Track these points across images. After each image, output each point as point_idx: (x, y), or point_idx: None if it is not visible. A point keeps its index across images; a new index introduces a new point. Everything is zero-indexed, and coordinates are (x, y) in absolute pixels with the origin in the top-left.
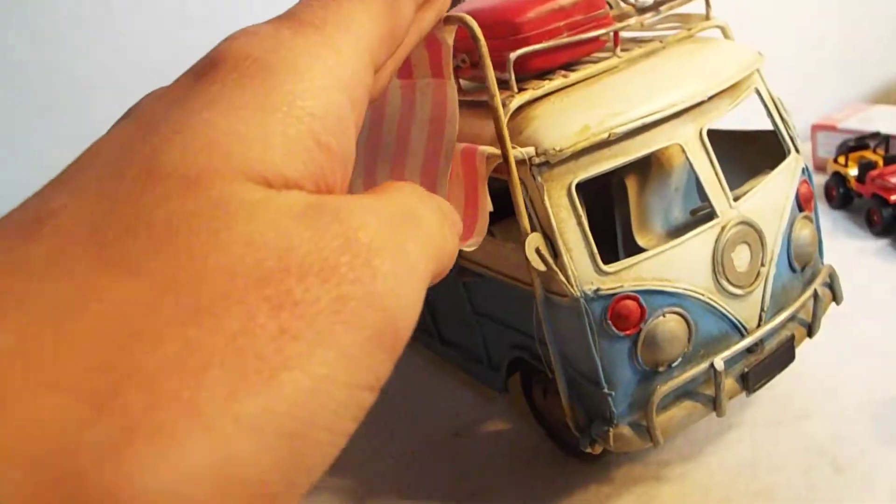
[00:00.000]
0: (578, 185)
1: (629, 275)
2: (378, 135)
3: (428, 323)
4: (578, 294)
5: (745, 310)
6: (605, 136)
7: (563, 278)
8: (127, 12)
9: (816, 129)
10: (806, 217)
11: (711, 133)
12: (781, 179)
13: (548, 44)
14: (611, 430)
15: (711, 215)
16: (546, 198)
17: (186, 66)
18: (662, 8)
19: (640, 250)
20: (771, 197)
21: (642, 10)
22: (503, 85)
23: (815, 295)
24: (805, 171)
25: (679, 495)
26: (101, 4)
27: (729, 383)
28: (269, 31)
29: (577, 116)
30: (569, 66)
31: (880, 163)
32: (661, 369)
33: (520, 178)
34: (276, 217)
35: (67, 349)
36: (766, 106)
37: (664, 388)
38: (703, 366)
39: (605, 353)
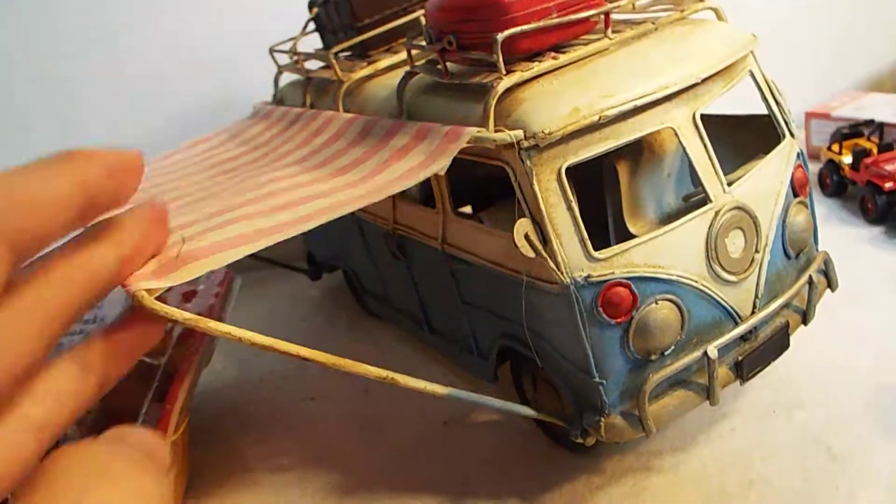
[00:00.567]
0: (568, 170)
1: (621, 261)
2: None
3: (416, 312)
4: (569, 281)
5: (738, 297)
6: (595, 118)
7: (552, 265)
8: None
9: (810, 116)
10: (801, 202)
11: (704, 118)
12: (776, 164)
13: (537, 25)
14: (602, 419)
15: (705, 200)
16: (535, 182)
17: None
18: None
19: (632, 237)
20: (765, 182)
21: None
22: (491, 67)
23: (810, 281)
24: (800, 155)
25: (671, 486)
26: None
27: (722, 371)
28: None
29: (567, 99)
30: (558, 48)
31: (875, 150)
32: (653, 357)
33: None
34: None
35: None
36: (759, 89)
37: (657, 377)
38: (697, 354)
39: (596, 341)
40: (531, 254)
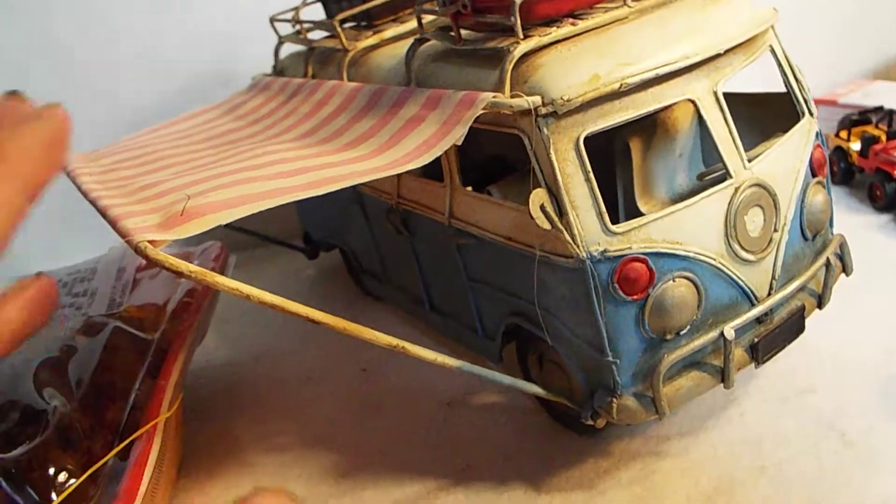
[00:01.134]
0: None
1: (638, 236)
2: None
3: (418, 290)
4: (584, 255)
5: (756, 277)
6: (616, 86)
7: (568, 237)
8: None
9: (817, 103)
10: (819, 182)
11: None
12: (795, 142)
13: None
14: (614, 400)
15: (725, 176)
16: (552, 151)
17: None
18: None
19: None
20: (785, 159)
21: None
22: (507, 31)
23: (827, 264)
24: (819, 135)
25: (680, 471)
26: None
27: (738, 353)
28: None
29: (587, 65)
30: (576, 15)
31: (883, 137)
32: (668, 337)
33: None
34: None
35: None
36: (780, 65)
37: (671, 357)
38: (713, 334)
39: (611, 318)
40: (547, 225)
